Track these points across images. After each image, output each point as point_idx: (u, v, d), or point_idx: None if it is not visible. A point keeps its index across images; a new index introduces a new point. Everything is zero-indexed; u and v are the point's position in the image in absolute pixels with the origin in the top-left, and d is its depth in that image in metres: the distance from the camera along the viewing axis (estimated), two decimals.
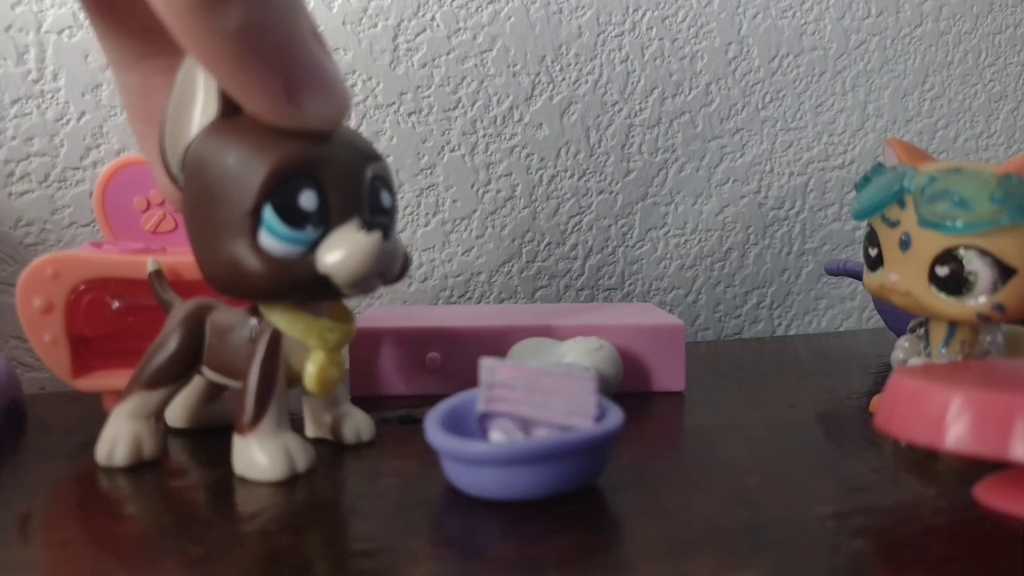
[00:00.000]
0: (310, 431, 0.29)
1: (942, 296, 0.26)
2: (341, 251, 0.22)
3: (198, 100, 0.23)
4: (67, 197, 0.42)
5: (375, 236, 0.23)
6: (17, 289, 0.29)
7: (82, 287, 0.30)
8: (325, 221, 0.23)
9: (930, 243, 0.26)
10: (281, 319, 0.25)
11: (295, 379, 0.25)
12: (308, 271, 0.23)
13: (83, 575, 0.19)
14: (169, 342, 0.26)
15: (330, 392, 0.27)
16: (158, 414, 0.27)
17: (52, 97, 0.41)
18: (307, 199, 0.22)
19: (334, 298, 0.24)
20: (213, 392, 0.30)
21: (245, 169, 0.22)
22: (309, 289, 0.23)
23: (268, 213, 0.22)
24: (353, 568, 0.19)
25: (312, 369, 0.25)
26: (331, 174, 0.23)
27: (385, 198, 0.25)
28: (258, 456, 0.24)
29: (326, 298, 0.25)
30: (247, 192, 0.22)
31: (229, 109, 0.23)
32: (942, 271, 0.25)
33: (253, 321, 0.25)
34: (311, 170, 0.22)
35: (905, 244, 0.26)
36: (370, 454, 0.27)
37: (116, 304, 0.31)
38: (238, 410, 0.24)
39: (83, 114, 0.42)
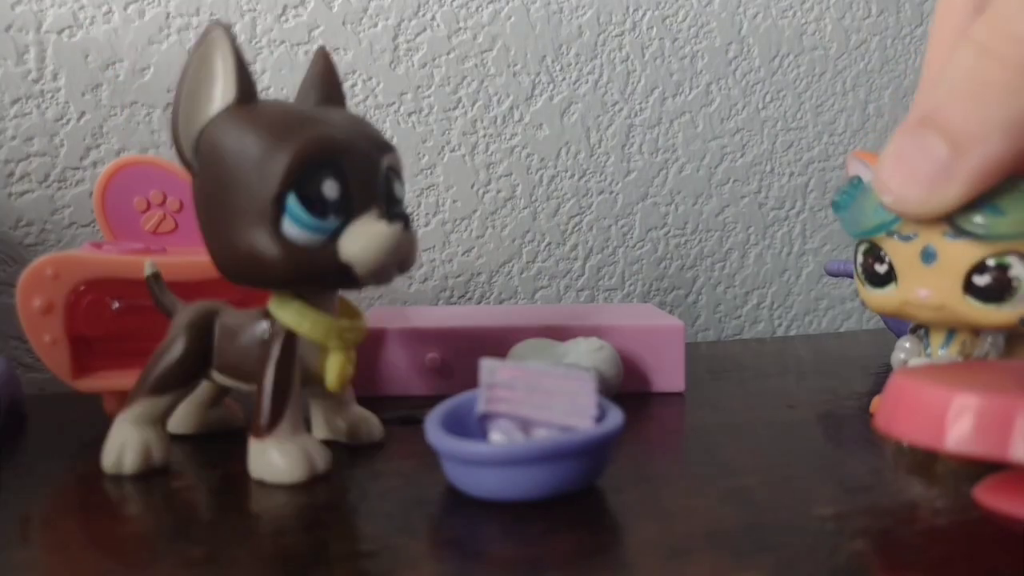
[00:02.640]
0: (317, 432, 0.29)
1: (979, 305, 0.25)
2: (365, 241, 0.23)
3: (216, 83, 0.23)
4: (67, 197, 0.42)
5: (397, 226, 0.23)
6: (17, 289, 0.29)
7: (82, 287, 0.30)
8: (346, 210, 0.23)
9: (964, 253, 0.25)
10: (299, 321, 0.24)
11: (308, 379, 0.25)
12: (329, 260, 0.23)
13: None
14: (175, 346, 0.26)
15: (346, 388, 0.27)
16: (164, 420, 0.26)
17: (52, 97, 0.41)
18: (330, 188, 0.22)
19: (351, 287, 0.24)
20: (215, 397, 0.30)
21: (267, 156, 0.22)
22: (329, 278, 0.23)
23: (292, 201, 0.22)
24: (353, 569, 0.19)
25: (333, 369, 0.25)
26: (351, 163, 0.23)
27: (398, 189, 0.25)
28: (277, 459, 0.24)
29: (343, 287, 0.25)
30: (270, 179, 0.22)
31: (246, 94, 0.23)
32: (982, 280, 0.25)
33: (265, 323, 0.25)
34: (333, 159, 0.22)
35: (929, 256, 0.26)
36: (370, 455, 0.27)
37: (116, 304, 0.31)
38: (254, 413, 0.24)
39: (83, 114, 0.42)
